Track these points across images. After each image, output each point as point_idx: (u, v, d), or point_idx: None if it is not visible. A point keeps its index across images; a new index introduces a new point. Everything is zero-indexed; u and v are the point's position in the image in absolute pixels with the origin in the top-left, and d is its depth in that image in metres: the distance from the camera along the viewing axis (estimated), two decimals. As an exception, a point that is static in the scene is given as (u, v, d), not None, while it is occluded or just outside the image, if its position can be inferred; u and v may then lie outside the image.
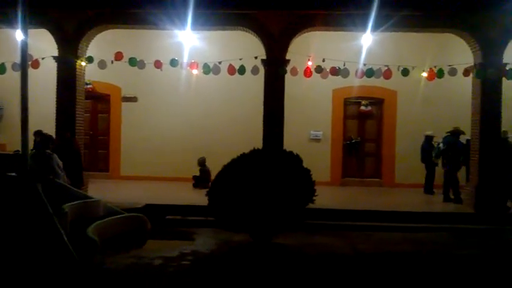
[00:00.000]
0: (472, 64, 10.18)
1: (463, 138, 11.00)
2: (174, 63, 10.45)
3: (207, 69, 10.43)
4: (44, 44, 10.58)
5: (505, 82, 9.94)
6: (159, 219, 8.69)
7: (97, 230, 6.46)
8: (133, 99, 13.42)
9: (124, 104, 13.51)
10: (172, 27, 10.13)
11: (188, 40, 10.87)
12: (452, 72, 10.22)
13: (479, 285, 5.86)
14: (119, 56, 10.49)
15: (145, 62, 10.49)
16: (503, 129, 10.13)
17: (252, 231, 7.50)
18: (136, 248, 7.01)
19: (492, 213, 9.44)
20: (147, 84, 13.00)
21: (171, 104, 13.23)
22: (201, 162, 12.12)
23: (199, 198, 8.80)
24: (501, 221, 9.24)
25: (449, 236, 8.48)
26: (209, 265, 6.49)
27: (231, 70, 10.29)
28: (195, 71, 11.03)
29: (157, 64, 10.50)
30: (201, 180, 11.76)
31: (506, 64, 9.83)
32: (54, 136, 9.43)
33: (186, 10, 9.58)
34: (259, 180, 7.09)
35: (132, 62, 10.44)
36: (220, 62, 10.40)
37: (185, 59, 10.79)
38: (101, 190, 10.60)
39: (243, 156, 7.57)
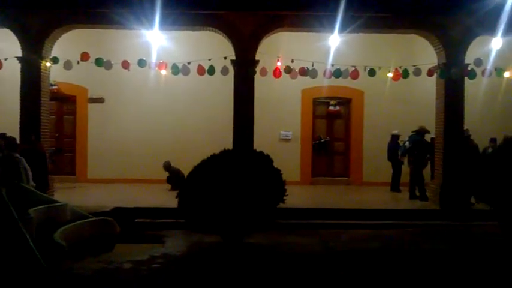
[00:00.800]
0: (436, 64, 10.47)
1: (427, 137, 11.30)
2: (142, 63, 10.32)
3: (175, 69, 10.35)
4: (7, 44, 10.28)
5: (467, 82, 10.26)
6: (128, 222, 8.56)
7: (64, 235, 6.34)
8: (100, 100, 13.17)
9: (90, 105, 13.25)
10: (140, 27, 10.00)
11: (156, 40, 10.74)
12: (417, 72, 10.48)
13: (448, 279, 6.03)
14: (85, 57, 10.28)
15: (112, 62, 10.32)
16: (465, 127, 10.45)
17: (223, 232, 7.49)
18: (105, 252, 6.89)
19: (456, 210, 9.72)
20: (115, 85, 12.79)
21: (139, 105, 13.05)
22: (166, 167, 11.88)
23: (169, 200, 8.72)
24: (465, 217, 9.54)
25: (416, 233, 8.69)
26: (180, 267, 6.44)
27: (201, 70, 10.25)
28: (163, 72, 10.92)
29: (125, 64, 10.35)
30: (173, 182, 11.61)
31: (468, 64, 10.15)
32: (18, 139, 9.16)
33: (153, 10, 9.48)
34: (229, 180, 7.09)
35: (99, 62, 10.26)
36: (189, 63, 10.33)
37: (153, 59, 10.65)
38: (68, 194, 10.40)
39: (213, 157, 7.55)
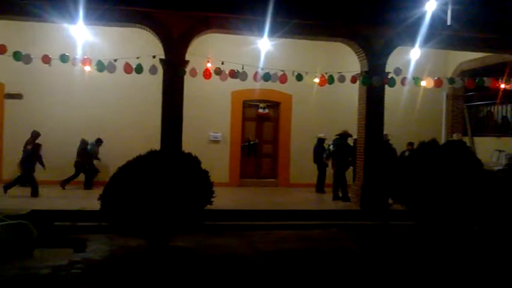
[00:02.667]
0: (359, 72, 10.95)
1: (350, 141, 11.79)
2: (64, 58, 9.82)
3: (100, 66, 9.95)
4: None
5: (388, 89, 10.83)
6: (47, 226, 8.13)
7: (-26, 240, 5.92)
8: (17, 96, 12.39)
9: (7, 102, 12.42)
10: (62, 21, 9.52)
11: (81, 35, 10.26)
12: (342, 79, 10.90)
13: (368, 275, 6.33)
14: (2, 49, 9.61)
15: (32, 56, 9.74)
16: (385, 132, 11.03)
17: (148, 235, 7.33)
18: (22, 258, 6.52)
19: (376, 210, 10.24)
20: (34, 80, 12.09)
21: (61, 102, 12.41)
22: (34, 136, 11.31)
23: (91, 202, 8.40)
24: (384, 217, 10.06)
25: (339, 232, 9.02)
26: (102, 272, 6.21)
27: (128, 69, 9.94)
28: (87, 68, 10.48)
29: (45, 59, 9.79)
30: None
31: (388, 73, 10.73)
32: None
33: (76, 4, 9.07)
34: (155, 182, 6.96)
35: (17, 56, 9.63)
36: (115, 60, 9.99)
37: (78, 55, 10.18)
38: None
39: (139, 158, 7.37)
